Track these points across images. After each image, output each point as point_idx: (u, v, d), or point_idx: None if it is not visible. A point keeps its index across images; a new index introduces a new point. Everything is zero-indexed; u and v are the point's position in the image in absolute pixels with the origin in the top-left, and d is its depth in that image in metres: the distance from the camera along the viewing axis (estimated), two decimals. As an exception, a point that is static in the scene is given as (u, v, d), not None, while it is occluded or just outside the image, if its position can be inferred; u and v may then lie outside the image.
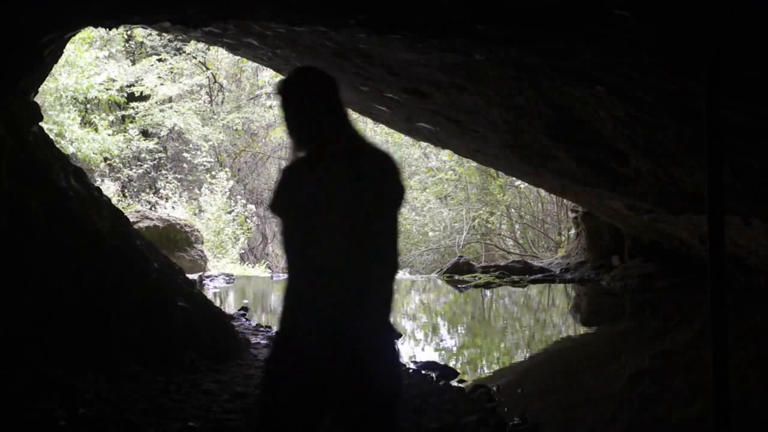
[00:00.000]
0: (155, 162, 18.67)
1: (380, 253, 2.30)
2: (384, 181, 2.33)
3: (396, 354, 2.39)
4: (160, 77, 17.82)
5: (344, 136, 2.34)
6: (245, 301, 9.67)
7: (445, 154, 17.28)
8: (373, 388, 2.27)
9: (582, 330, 8.97)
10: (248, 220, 18.45)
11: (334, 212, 2.23)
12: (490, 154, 9.14)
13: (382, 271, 2.31)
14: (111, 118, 17.81)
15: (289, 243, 2.29)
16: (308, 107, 2.34)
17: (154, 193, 18.22)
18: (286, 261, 2.32)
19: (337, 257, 2.24)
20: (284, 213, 2.32)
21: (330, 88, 2.38)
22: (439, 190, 18.69)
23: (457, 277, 12.80)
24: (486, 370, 6.85)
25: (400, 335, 2.07)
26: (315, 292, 2.25)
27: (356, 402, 2.29)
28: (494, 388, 5.51)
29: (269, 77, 18.39)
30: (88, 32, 14.95)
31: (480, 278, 12.41)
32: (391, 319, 2.35)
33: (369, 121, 15.03)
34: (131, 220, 7.77)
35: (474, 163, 15.78)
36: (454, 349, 7.89)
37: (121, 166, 17.95)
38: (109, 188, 16.14)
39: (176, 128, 18.69)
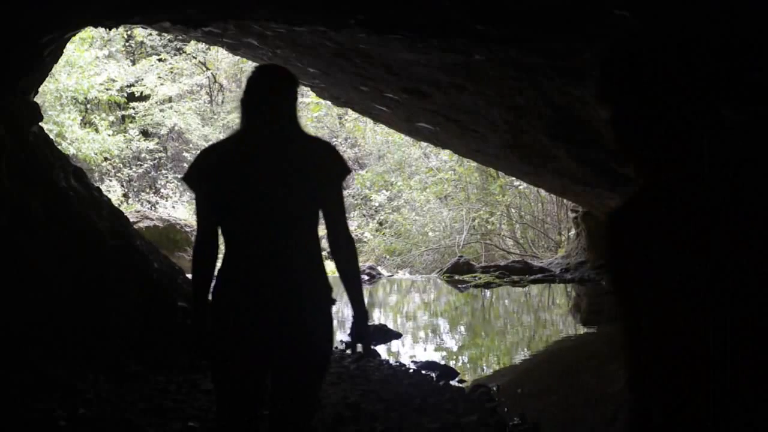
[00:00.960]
0: (155, 162, 18.68)
1: (305, 224, 2.52)
2: (311, 159, 2.54)
3: (327, 320, 2.55)
4: (160, 77, 17.83)
5: (282, 126, 2.56)
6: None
7: (445, 154, 17.27)
8: (303, 351, 2.49)
9: (582, 330, 8.96)
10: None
11: (248, 179, 2.49)
12: (490, 154, 9.15)
13: (309, 240, 2.53)
14: (111, 118, 17.82)
15: (201, 214, 2.57)
16: (272, 98, 2.57)
17: (154, 193, 18.23)
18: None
19: (252, 227, 2.50)
20: (196, 185, 2.58)
21: (293, 86, 2.61)
22: (439, 190, 18.68)
23: (457, 277, 12.81)
24: (486, 370, 6.85)
25: (333, 301, 2.55)
26: (234, 260, 2.53)
27: (287, 366, 2.51)
28: (494, 388, 5.51)
29: (269, 77, 18.36)
30: (88, 32, 14.96)
31: (480, 278, 12.41)
32: (328, 292, 2.54)
33: (369, 121, 15.04)
34: (131, 220, 7.77)
35: (474, 163, 15.77)
36: (454, 349, 7.89)
37: (121, 166, 17.97)
38: (116, 190, 16.15)
39: (176, 128, 18.69)
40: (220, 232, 2.57)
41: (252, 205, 2.50)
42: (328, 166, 2.55)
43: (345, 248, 2.57)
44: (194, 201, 2.62)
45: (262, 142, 2.54)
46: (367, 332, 2.61)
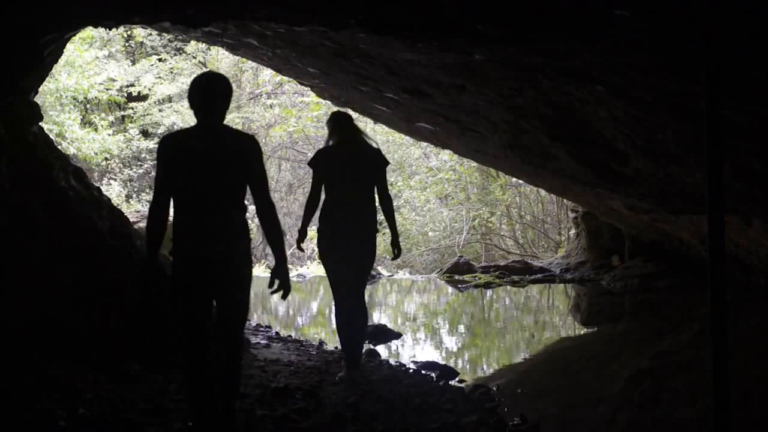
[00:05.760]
0: (155, 162, 18.67)
1: (228, 192, 3.64)
2: (232, 148, 3.64)
3: (247, 258, 3.74)
4: (160, 77, 17.82)
5: (215, 122, 3.70)
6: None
7: (445, 154, 17.27)
8: (231, 278, 3.67)
9: (582, 330, 8.96)
10: (249, 221, 18.43)
11: (192, 163, 3.60)
12: (490, 154, 9.14)
13: (229, 203, 3.66)
14: (111, 118, 17.81)
15: (159, 184, 3.71)
16: (221, 101, 3.68)
17: (154, 193, 18.21)
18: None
19: (195, 196, 3.63)
20: (160, 162, 3.69)
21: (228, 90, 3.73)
22: (439, 190, 18.68)
23: (457, 277, 12.80)
24: (486, 370, 6.86)
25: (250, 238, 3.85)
26: (190, 226, 3.66)
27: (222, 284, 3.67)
28: (494, 388, 5.51)
29: (269, 77, 18.38)
30: (88, 32, 14.95)
31: (480, 278, 12.41)
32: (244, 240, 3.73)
33: (369, 121, 15.04)
34: (131, 220, 7.76)
35: (474, 163, 15.77)
36: (454, 349, 7.89)
37: (122, 166, 17.96)
38: (118, 192, 16.14)
39: (176, 127, 18.67)
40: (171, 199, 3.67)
41: (198, 180, 3.58)
42: (250, 152, 3.66)
43: (267, 213, 3.72)
44: (156, 173, 3.72)
45: (206, 133, 3.64)
46: (285, 273, 3.70)
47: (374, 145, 5.70)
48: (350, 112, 6.43)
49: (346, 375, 5.47)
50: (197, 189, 3.59)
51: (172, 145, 3.70)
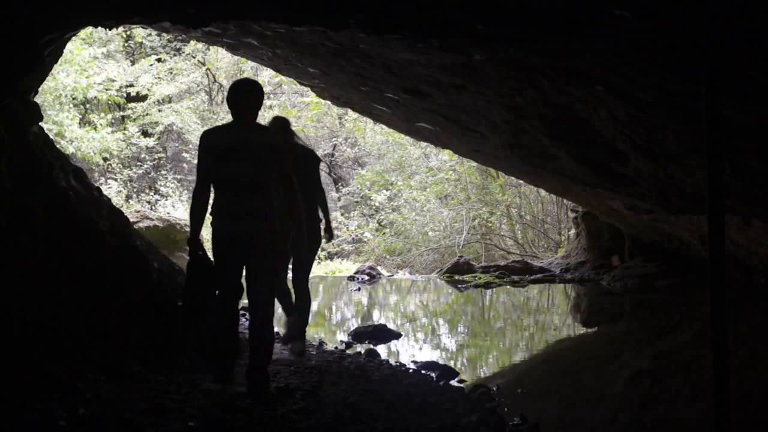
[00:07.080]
0: (155, 162, 18.67)
1: (255, 179, 4.38)
2: (258, 143, 4.41)
3: (276, 241, 4.51)
4: (159, 78, 17.82)
5: (248, 120, 4.51)
6: (245, 301, 9.65)
7: (445, 154, 17.28)
8: (258, 252, 4.47)
9: (582, 330, 8.96)
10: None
11: (225, 154, 4.37)
12: (490, 154, 9.15)
13: (259, 194, 4.40)
14: (110, 117, 17.80)
15: (201, 172, 4.52)
16: (252, 103, 4.49)
17: (154, 193, 18.22)
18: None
19: (228, 182, 4.41)
20: (202, 152, 4.53)
21: (259, 95, 4.53)
22: (439, 190, 18.68)
23: (457, 277, 12.81)
24: (486, 370, 6.85)
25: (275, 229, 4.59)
26: (224, 208, 4.46)
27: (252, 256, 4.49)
28: (494, 388, 5.51)
29: (269, 77, 18.39)
30: (86, 31, 14.94)
31: (480, 278, 12.41)
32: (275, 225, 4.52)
33: (369, 121, 15.04)
34: (131, 220, 7.77)
35: (474, 163, 15.77)
36: (454, 349, 7.89)
37: (121, 166, 17.95)
38: (113, 189, 16.10)
39: (175, 128, 18.67)
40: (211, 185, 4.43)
41: (231, 168, 4.34)
42: (266, 146, 4.42)
43: (291, 194, 4.57)
44: (197, 162, 4.50)
45: (239, 129, 4.42)
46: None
47: (309, 146, 6.55)
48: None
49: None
50: (230, 176, 4.33)
51: (210, 138, 4.44)
